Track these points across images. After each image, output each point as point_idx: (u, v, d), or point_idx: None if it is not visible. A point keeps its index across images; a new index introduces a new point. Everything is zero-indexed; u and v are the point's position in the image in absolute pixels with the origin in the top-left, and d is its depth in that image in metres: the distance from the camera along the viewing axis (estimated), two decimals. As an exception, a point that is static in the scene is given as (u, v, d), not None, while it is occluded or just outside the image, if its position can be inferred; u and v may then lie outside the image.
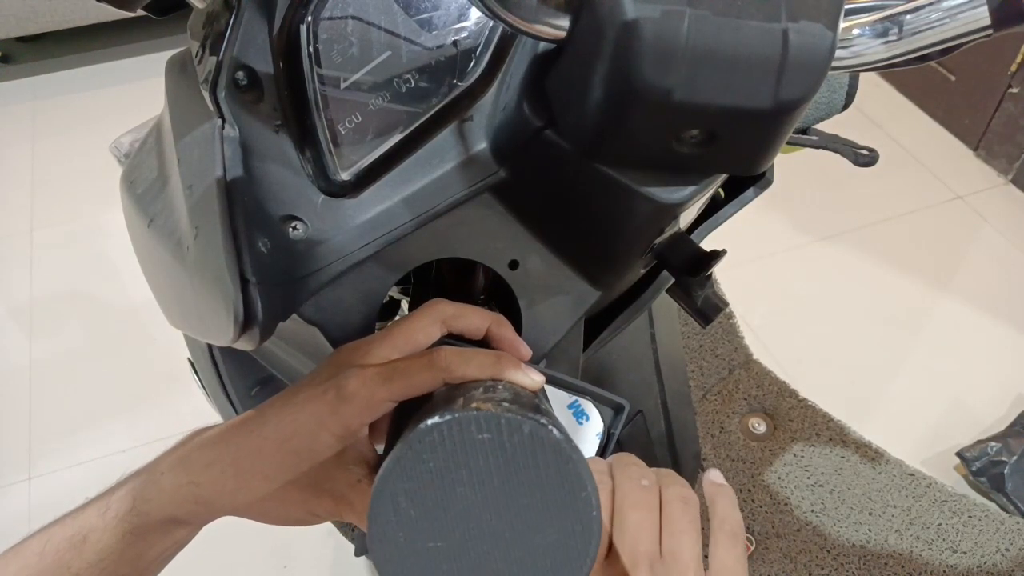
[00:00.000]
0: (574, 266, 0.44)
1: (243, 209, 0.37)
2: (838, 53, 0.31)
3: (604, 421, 0.42)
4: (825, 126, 0.64)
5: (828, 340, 1.56)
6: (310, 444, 0.36)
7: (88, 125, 2.08)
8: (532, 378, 0.37)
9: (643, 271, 0.51)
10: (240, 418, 0.39)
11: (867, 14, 0.31)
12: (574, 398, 0.42)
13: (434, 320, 0.39)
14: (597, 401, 0.42)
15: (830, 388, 1.43)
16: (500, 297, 0.49)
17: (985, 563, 1.16)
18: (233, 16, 0.37)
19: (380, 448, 0.40)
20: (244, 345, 0.38)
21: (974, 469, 1.31)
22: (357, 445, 0.40)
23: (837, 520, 1.20)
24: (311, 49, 0.37)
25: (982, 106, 1.87)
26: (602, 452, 0.42)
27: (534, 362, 0.46)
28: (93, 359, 1.57)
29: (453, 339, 0.40)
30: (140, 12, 0.48)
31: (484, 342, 0.40)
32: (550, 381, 0.41)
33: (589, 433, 0.42)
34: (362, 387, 0.36)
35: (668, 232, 0.43)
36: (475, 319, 0.40)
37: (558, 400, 0.42)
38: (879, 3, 0.32)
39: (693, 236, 0.53)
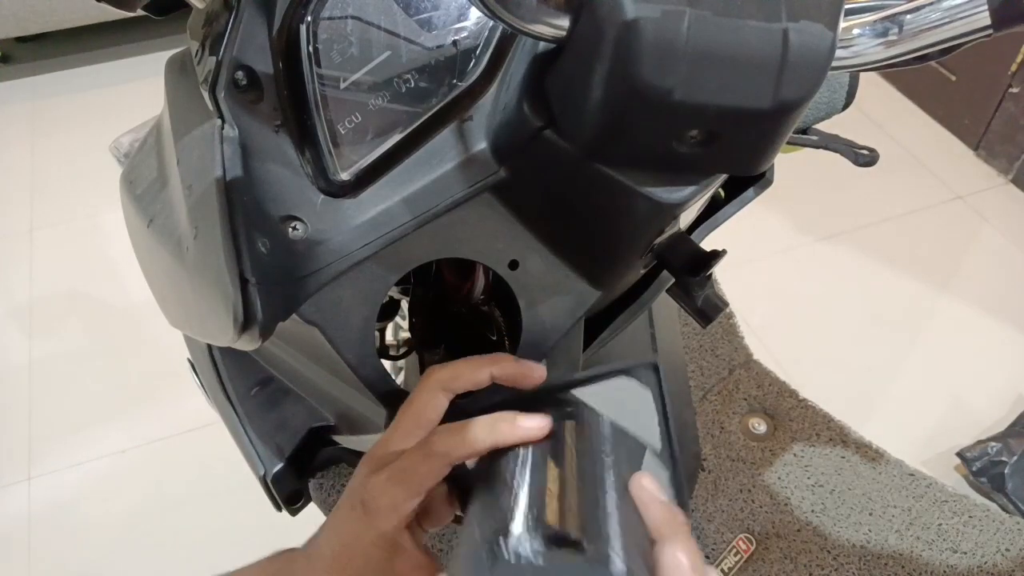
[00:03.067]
0: (574, 266, 0.44)
1: (243, 209, 0.37)
2: (838, 53, 0.31)
3: (651, 387, 0.40)
4: (825, 126, 0.64)
5: (828, 340, 1.56)
6: (355, 558, 0.38)
7: (88, 125, 2.08)
8: (538, 424, 0.37)
9: (643, 271, 0.51)
10: (305, 544, 0.41)
11: (867, 14, 0.31)
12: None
13: (434, 391, 0.39)
14: (629, 375, 0.40)
15: (830, 388, 1.43)
16: (500, 297, 0.49)
17: (985, 563, 1.16)
18: (233, 16, 0.37)
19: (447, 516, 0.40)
20: (244, 345, 0.38)
21: (974, 469, 1.31)
22: (401, 541, 0.40)
23: (837, 520, 1.20)
24: (311, 49, 0.37)
25: (982, 106, 1.87)
26: (665, 417, 0.40)
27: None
28: (93, 359, 1.57)
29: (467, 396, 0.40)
30: (140, 12, 0.48)
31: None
32: (579, 383, 0.40)
33: (646, 408, 0.40)
34: (382, 496, 0.37)
35: (668, 232, 0.43)
36: (474, 374, 0.40)
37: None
38: (879, 3, 0.32)
39: (693, 236, 0.53)
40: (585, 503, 0.33)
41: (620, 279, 0.49)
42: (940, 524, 1.22)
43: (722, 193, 0.55)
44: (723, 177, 0.42)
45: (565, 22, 0.31)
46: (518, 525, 0.31)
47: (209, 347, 0.65)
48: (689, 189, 0.36)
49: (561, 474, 0.34)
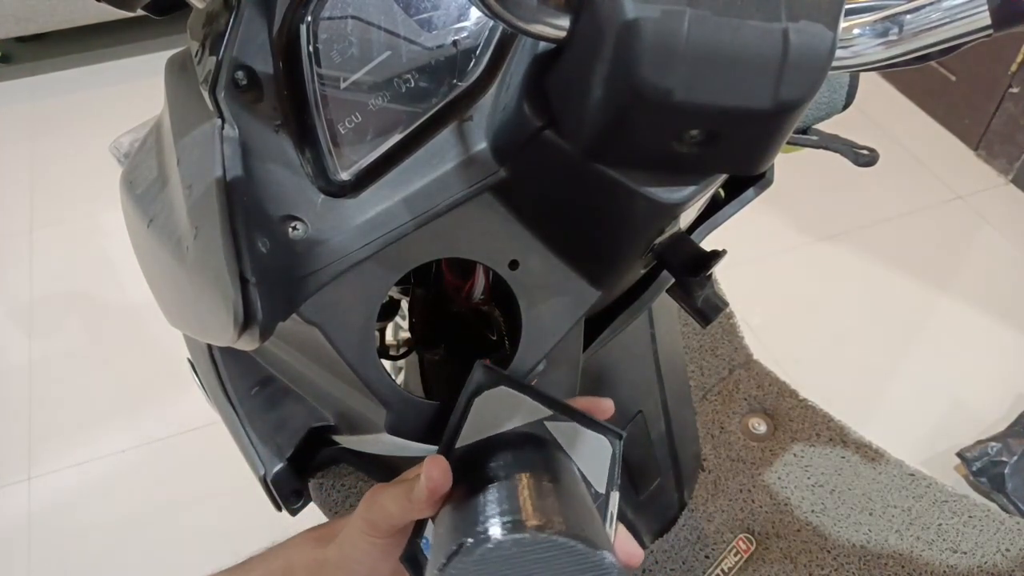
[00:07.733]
0: (574, 266, 0.44)
1: (243, 209, 0.37)
2: (838, 53, 0.31)
3: (613, 448, 0.42)
4: (825, 126, 0.64)
5: (828, 340, 1.56)
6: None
7: (88, 125, 2.08)
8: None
9: (643, 271, 0.51)
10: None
11: (867, 14, 0.31)
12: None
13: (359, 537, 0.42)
14: (597, 431, 0.42)
15: (830, 388, 1.43)
16: (500, 297, 0.49)
17: (985, 563, 1.16)
18: (233, 16, 0.37)
19: None
20: (244, 345, 0.38)
21: (974, 469, 1.31)
22: None
23: (837, 520, 1.20)
24: (311, 49, 0.37)
25: (982, 106, 1.87)
26: (611, 481, 0.42)
27: (534, 364, 0.46)
28: (93, 359, 1.57)
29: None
30: (140, 12, 0.48)
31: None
32: (559, 413, 0.41)
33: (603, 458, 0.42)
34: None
35: (668, 232, 0.43)
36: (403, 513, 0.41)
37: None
38: (879, 3, 0.32)
39: (693, 236, 0.53)
40: (564, 506, 0.34)
41: (620, 279, 0.49)
42: (940, 524, 1.21)
43: (722, 193, 0.55)
44: (723, 177, 0.42)
45: (565, 22, 0.31)
46: (495, 525, 0.31)
47: (209, 347, 0.65)
48: (689, 189, 0.36)
49: (535, 482, 0.35)
